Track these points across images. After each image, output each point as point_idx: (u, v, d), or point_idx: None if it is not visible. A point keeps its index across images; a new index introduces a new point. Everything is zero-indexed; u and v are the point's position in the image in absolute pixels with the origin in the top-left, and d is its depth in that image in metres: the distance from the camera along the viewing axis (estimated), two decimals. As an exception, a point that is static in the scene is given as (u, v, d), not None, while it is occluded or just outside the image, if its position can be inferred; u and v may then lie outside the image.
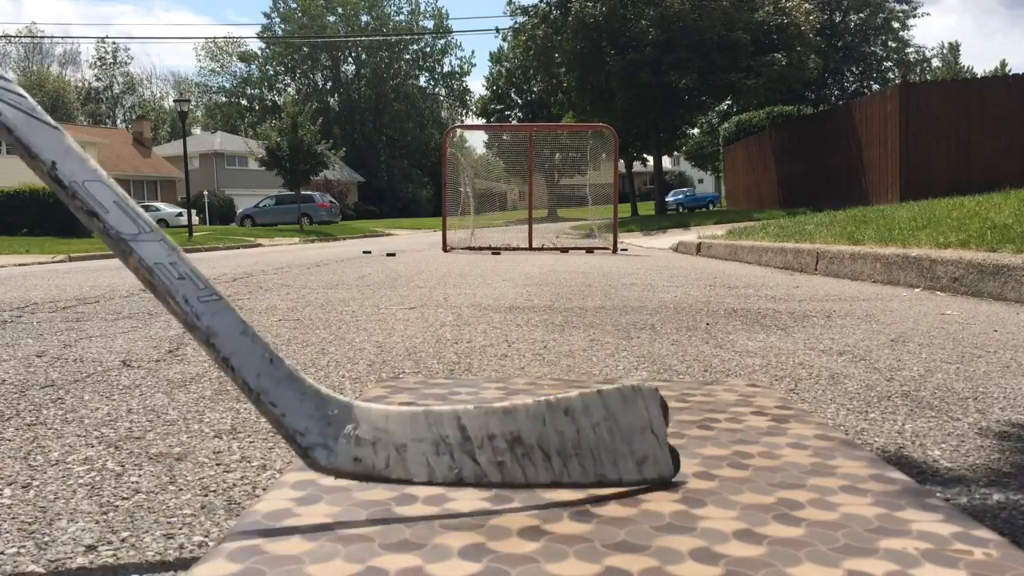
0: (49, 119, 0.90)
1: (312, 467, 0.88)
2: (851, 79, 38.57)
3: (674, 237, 12.69)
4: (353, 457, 0.89)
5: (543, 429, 0.95)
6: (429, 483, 0.91)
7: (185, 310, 0.86)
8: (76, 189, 0.88)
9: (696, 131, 38.25)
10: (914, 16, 38.18)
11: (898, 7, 37.73)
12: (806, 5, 23.94)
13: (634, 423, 0.97)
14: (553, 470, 0.94)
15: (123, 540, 0.93)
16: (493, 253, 9.94)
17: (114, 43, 69.89)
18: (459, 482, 0.92)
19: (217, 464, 1.22)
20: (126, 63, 71.60)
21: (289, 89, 63.57)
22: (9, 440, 1.37)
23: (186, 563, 0.86)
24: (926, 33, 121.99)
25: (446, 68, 68.47)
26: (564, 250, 10.29)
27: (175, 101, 24.38)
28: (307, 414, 0.88)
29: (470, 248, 11.06)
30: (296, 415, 0.88)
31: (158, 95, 74.12)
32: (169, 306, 0.87)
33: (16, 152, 0.89)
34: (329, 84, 65.93)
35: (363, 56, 64.88)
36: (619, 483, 0.96)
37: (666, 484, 1.00)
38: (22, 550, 0.90)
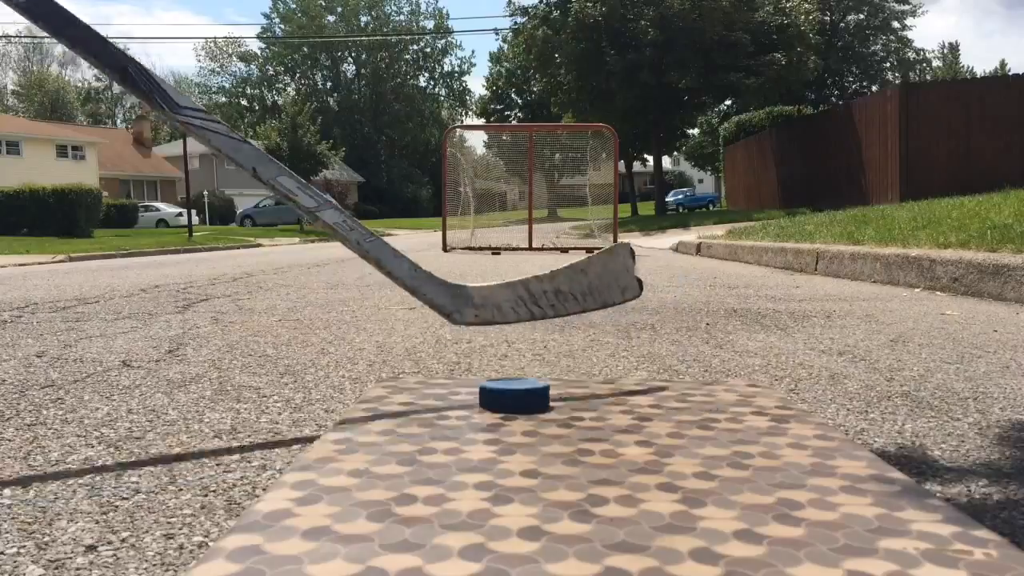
0: (240, 135, 1.37)
1: (453, 323, 1.53)
2: (851, 79, 38.57)
3: (674, 237, 12.69)
4: (474, 314, 1.52)
5: (572, 281, 1.60)
6: (517, 321, 1.58)
7: (358, 248, 1.42)
8: (273, 184, 1.36)
9: (696, 131, 38.25)
10: (913, 16, 38.19)
11: (898, 7, 37.72)
12: (806, 5, 23.94)
13: (618, 267, 1.61)
14: (579, 304, 1.60)
15: (123, 540, 0.93)
16: (493, 253, 9.94)
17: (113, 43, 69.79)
18: (532, 318, 1.58)
19: (217, 464, 1.22)
20: (126, 63, 71.38)
21: (289, 89, 63.58)
22: (9, 440, 1.37)
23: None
24: (925, 34, 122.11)
25: (446, 68, 68.51)
26: (564, 250, 10.28)
27: (175, 101, 24.35)
28: (444, 294, 1.49)
29: (470, 248, 11.06)
30: (438, 295, 1.49)
31: (158, 95, 73.92)
32: (349, 246, 1.42)
33: (233, 164, 1.33)
34: (329, 84, 65.94)
35: (363, 56, 64.88)
36: (612, 304, 1.61)
37: (636, 298, 1.65)
38: (22, 550, 0.90)
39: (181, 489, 1.11)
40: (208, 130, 1.32)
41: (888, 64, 39.00)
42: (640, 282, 1.64)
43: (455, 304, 1.46)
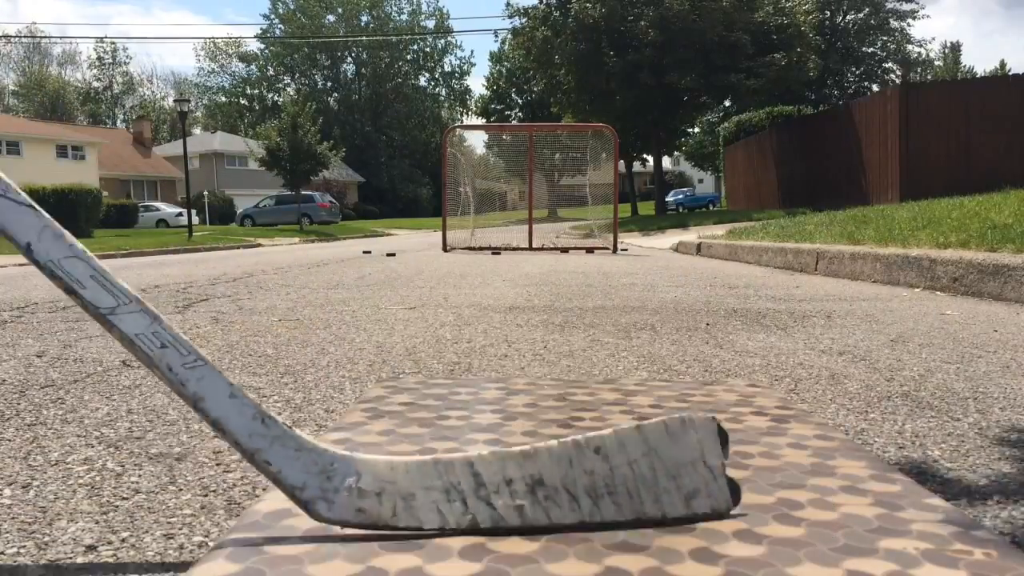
0: (25, 198, 0.89)
1: (316, 519, 0.88)
2: (851, 79, 38.57)
3: (674, 237, 12.69)
4: (356, 508, 0.87)
5: (569, 470, 0.89)
6: (441, 531, 0.87)
7: (170, 378, 0.87)
8: (52, 268, 0.88)
9: (696, 131, 38.25)
10: (913, 17, 38.19)
11: (899, 6, 37.71)
12: (806, 6, 23.94)
13: (682, 457, 0.90)
14: (581, 510, 0.88)
15: (123, 540, 0.93)
16: (493, 253, 9.94)
17: (112, 43, 69.88)
18: (475, 529, 0.87)
19: (217, 464, 1.22)
20: (125, 62, 71.58)
21: (289, 89, 63.58)
22: (9, 440, 1.37)
23: (185, 565, 0.86)
24: (924, 34, 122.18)
25: (446, 68, 68.53)
26: (564, 250, 10.28)
27: (175, 101, 24.39)
28: (304, 469, 0.88)
29: (470, 248, 11.06)
30: (292, 470, 0.88)
31: (158, 95, 74.15)
32: (156, 373, 0.88)
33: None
34: (329, 84, 65.93)
35: (363, 56, 64.89)
36: (662, 520, 0.89)
37: (721, 517, 0.91)
38: (22, 550, 0.90)
39: (181, 489, 1.11)
40: None
41: (889, 64, 39.00)
42: (734, 486, 0.92)
43: (321, 486, 0.88)
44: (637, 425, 0.91)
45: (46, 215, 0.89)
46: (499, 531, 0.87)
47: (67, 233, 0.91)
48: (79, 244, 0.90)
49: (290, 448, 0.89)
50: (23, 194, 0.89)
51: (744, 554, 0.81)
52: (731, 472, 1.07)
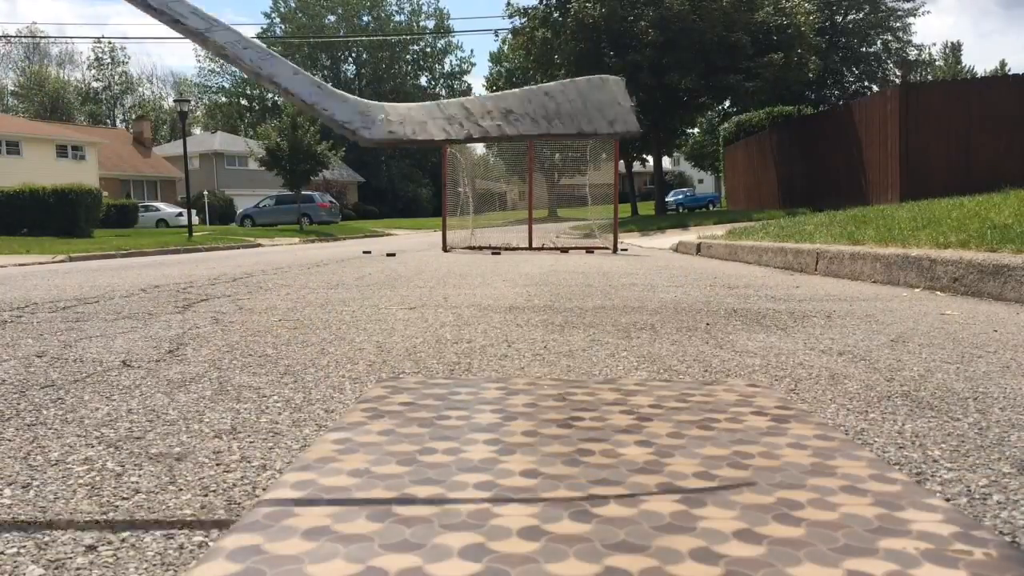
0: None
1: (362, 143, 1.19)
2: (851, 79, 38.58)
3: (674, 237, 12.69)
4: (388, 131, 1.19)
5: (529, 105, 1.21)
6: (447, 140, 1.19)
7: (251, 67, 1.19)
8: (160, 6, 1.17)
9: (696, 131, 38.25)
10: (914, 16, 38.19)
11: (899, 4, 37.70)
12: (806, 6, 23.94)
13: (603, 98, 1.24)
14: (540, 127, 1.21)
15: (123, 540, 0.93)
16: (493, 253, 9.94)
17: (110, 43, 69.83)
18: (469, 138, 1.20)
19: (217, 464, 1.22)
20: (124, 62, 71.50)
21: (289, 89, 63.42)
22: (9, 440, 1.37)
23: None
24: (924, 34, 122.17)
25: (446, 68, 68.53)
26: (564, 250, 10.28)
27: (175, 101, 24.39)
28: (350, 110, 1.21)
29: (470, 248, 11.06)
30: (342, 112, 1.20)
31: (158, 95, 74.11)
32: (241, 66, 1.20)
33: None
34: (329, 84, 65.91)
35: (363, 56, 64.91)
36: (595, 134, 1.23)
37: (633, 138, 1.33)
38: (22, 550, 0.90)
39: (181, 489, 1.11)
40: None
41: (889, 64, 38.99)
42: (641, 120, 1.37)
43: (363, 121, 1.20)
44: (572, 80, 1.25)
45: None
46: (485, 139, 1.22)
47: None
48: None
49: (338, 99, 1.22)
50: None
51: (744, 554, 0.81)
52: (730, 472, 1.07)
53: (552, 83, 1.26)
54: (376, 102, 1.24)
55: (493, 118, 1.20)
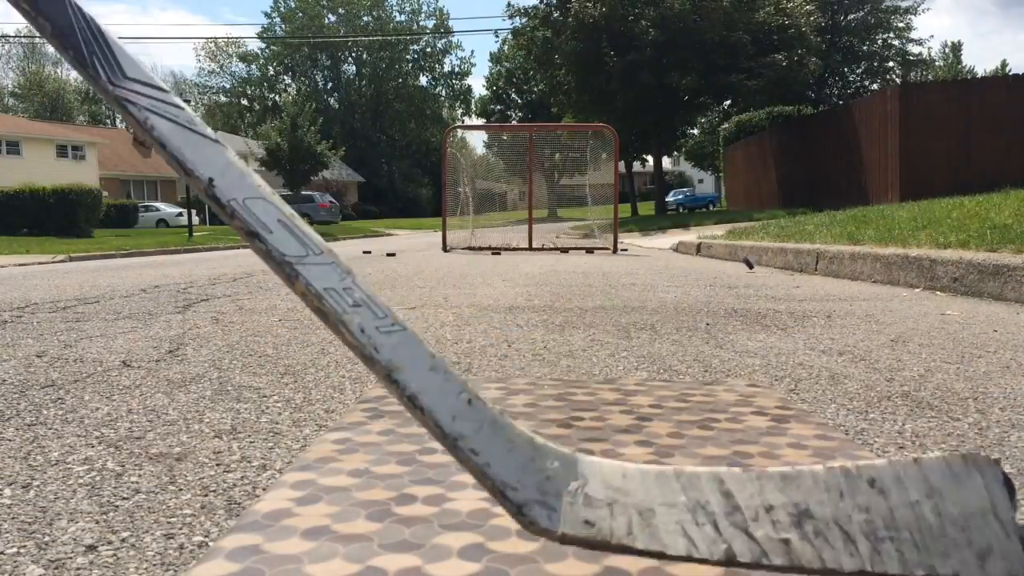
0: (208, 131, 0.82)
1: (529, 529, 0.71)
2: (852, 79, 38.57)
3: (674, 237, 12.69)
4: (583, 520, 0.73)
5: (840, 503, 0.74)
6: (689, 558, 0.72)
7: (362, 341, 0.74)
8: (235, 208, 0.78)
9: (696, 131, 38.25)
10: (914, 14, 38.18)
11: (900, 4, 37.69)
12: (807, 6, 23.94)
13: (969, 503, 0.74)
14: (861, 555, 0.72)
15: (123, 540, 0.93)
16: (493, 253, 9.94)
17: (112, 43, 69.67)
18: (731, 560, 0.72)
19: (217, 464, 1.22)
20: (124, 62, 71.33)
21: (289, 89, 63.60)
22: (9, 440, 1.37)
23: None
24: (922, 33, 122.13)
25: (447, 68, 68.57)
26: (564, 250, 10.28)
27: (175, 101, 24.38)
28: (519, 465, 0.73)
29: (470, 248, 11.06)
30: (505, 465, 0.73)
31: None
32: (343, 337, 0.76)
33: (172, 168, 0.83)
34: (329, 84, 65.96)
35: (364, 56, 64.92)
36: None
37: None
38: (22, 550, 0.90)
39: (181, 489, 1.11)
40: (153, 112, 0.81)
41: (891, 64, 38.96)
42: None
43: (540, 488, 0.73)
44: (915, 458, 0.75)
45: (232, 151, 0.83)
46: (762, 567, 0.72)
47: (253, 173, 0.82)
48: (267, 186, 0.81)
49: (501, 437, 0.74)
50: (207, 128, 0.83)
51: (744, 554, 0.81)
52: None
53: (882, 463, 0.74)
54: (568, 452, 0.76)
55: (776, 523, 0.72)
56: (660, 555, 0.72)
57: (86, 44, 0.81)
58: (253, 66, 66.49)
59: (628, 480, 0.75)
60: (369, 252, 10.69)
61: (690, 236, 11.66)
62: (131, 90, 0.81)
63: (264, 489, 1.09)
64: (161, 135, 0.80)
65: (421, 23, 67.73)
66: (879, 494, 0.73)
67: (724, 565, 0.72)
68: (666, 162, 41.28)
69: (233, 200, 0.78)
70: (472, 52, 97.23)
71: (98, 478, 1.16)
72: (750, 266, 6.12)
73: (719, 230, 11.93)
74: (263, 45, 65.51)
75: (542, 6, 26.46)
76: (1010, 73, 34.03)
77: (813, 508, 0.73)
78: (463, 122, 63.95)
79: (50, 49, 70.57)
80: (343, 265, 0.77)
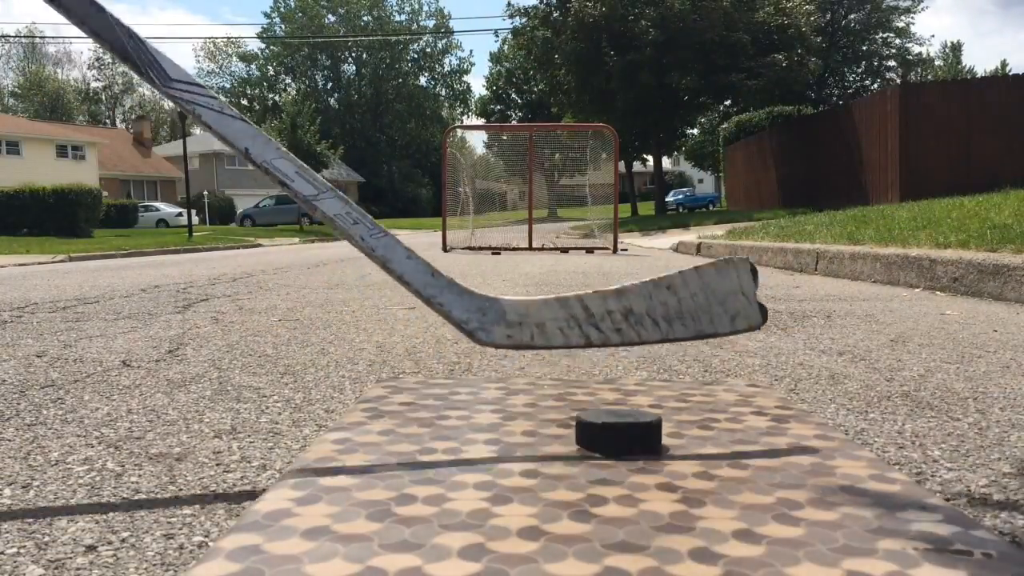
0: (237, 113, 1.16)
1: (478, 343, 1.17)
2: (852, 79, 38.56)
3: (674, 237, 12.69)
4: (506, 335, 1.17)
5: (650, 302, 1.18)
6: (566, 346, 1.18)
7: (362, 245, 1.16)
8: (268, 166, 1.15)
9: (696, 131, 38.25)
10: (913, 13, 38.18)
11: (899, 3, 37.68)
12: (807, 6, 23.94)
13: (727, 287, 1.19)
14: (661, 331, 1.18)
15: (123, 540, 0.93)
16: (493, 253, 9.94)
17: (111, 43, 69.72)
18: (588, 344, 1.18)
19: (217, 464, 1.22)
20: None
21: (289, 89, 63.57)
22: (9, 440, 1.37)
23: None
24: (921, 33, 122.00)
25: (447, 67, 68.54)
26: (564, 250, 10.28)
27: (175, 101, 24.40)
28: (466, 307, 1.18)
29: (470, 248, 11.06)
30: (458, 309, 1.18)
31: (158, 95, 74.04)
32: (352, 243, 1.17)
33: (219, 140, 1.17)
34: (329, 84, 65.95)
35: (363, 56, 64.91)
36: (715, 335, 1.19)
37: (755, 330, 1.23)
38: (22, 550, 0.90)
39: (181, 489, 1.11)
40: (197, 104, 1.16)
41: (892, 63, 38.95)
42: (764, 310, 1.20)
43: (480, 320, 1.15)
44: (696, 267, 1.21)
45: (255, 125, 1.17)
46: (606, 346, 1.19)
47: (273, 139, 1.18)
48: (283, 148, 1.18)
49: (455, 293, 1.18)
50: (235, 110, 1.17)
51: (744, 554, 0.81)
52: (729, 471, 1.07)
53: (675, 274, 1.20)
54: (493, 297, 1.19)
55: (613, 321, 1.16)
56: (547, 346, 1.19)
57: (137, 56, 1.14)
58: (253, 66, 66.49)
59: (529, 307, 1.19)
60: (369, 252, 10.68)
61: (690, 236, 11.66)
62: (179, 89, 1.15)
63: (264, 489, 1.09)
64: (207, 120, 1.17)
65: (421, 23, 67.72)
66: (672, 293, 1.20)
67: (584, 348, 1.25)
68: (666, 162, 41.26)
69: (264, 161, 1.15)
70: (472, 52, 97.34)
71: (98, 478, 1.16)
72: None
73: (719, 230, 11.93)
74: (263, 45, 65.50)
75: (542, 6, 26.45)
76: (1010, 73, 34.02)
77: (635, 307, 1.18)
78: (463, 122, 63.94)
79: (50, 49, 70.55)
80: (343, 197, 1.19)
